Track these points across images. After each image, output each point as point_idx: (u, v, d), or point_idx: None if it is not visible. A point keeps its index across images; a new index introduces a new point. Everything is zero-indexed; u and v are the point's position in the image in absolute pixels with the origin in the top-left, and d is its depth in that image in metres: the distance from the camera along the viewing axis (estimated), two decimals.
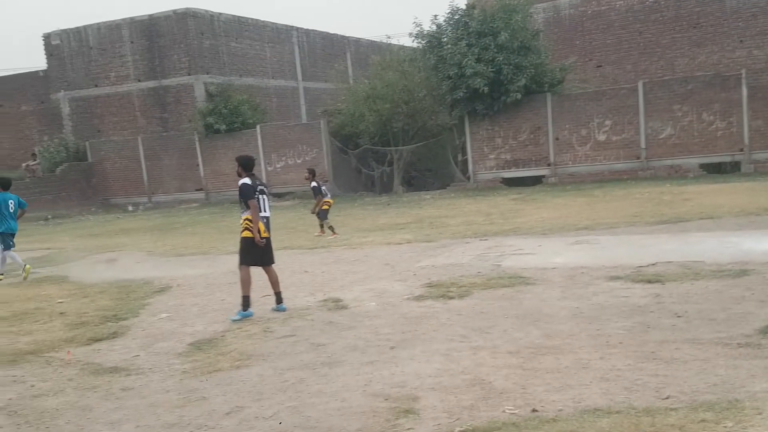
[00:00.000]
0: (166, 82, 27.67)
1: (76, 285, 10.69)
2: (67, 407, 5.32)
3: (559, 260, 9.55)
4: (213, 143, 26.62)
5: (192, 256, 13.14)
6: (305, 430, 4.55)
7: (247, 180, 8.00)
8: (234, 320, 7.73)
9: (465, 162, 24.30)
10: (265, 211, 8.14)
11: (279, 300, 8.17)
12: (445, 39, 22.59)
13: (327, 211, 14.85)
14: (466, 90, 21.82)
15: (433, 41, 23.06)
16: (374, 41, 36.84)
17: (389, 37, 30.23)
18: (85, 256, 14.08)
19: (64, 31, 28.80)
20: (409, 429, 4.44)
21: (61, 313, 8.64)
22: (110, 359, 6.55)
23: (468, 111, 22.91)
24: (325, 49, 34.04)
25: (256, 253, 7.98)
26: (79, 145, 28.42)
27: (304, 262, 11.39)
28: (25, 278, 11.69)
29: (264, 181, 8.36)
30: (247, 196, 7.93)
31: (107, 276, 11.43)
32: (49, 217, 24.67)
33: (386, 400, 4.97)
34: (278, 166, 26.06)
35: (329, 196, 15.12)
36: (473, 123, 23.23)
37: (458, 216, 16.14)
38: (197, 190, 26.99)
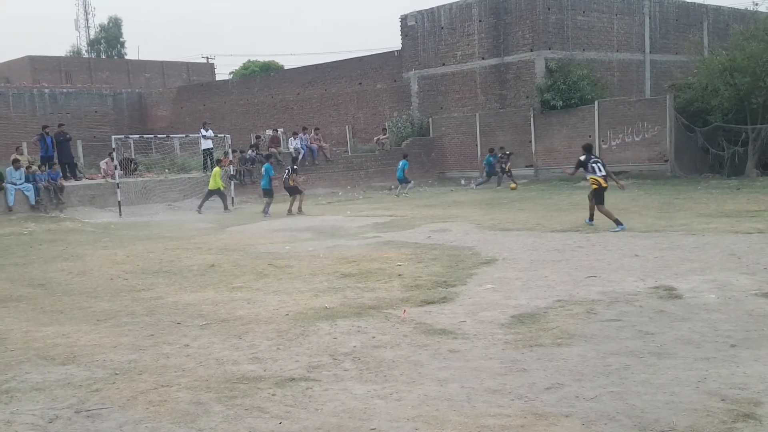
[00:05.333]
0: (508, 59, 28.19)
1: (412, 250, 11.55)
2: (402, 360, 5.79)
3: None
4: (547, 120, 26.56)
5: (518, 231, 13.33)
6: (629, 418, 4.36)
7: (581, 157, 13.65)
8: (613, 231, 12.43)
9: None
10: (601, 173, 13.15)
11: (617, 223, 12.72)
12: None
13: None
14: None
15: None
16: (737, 9, 33.14)
17: (756, 4, 26.89)
18: (421, 225, 15.12)
19: (420, 12, 30.85)
20: None
21: (399, 275, 9.40)
22: (439, 321, 6.96)
23: None
24: (680, 19, 31.55)
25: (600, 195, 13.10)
26: (423, 121, 30.51)
27: (635, 246, 10.84)
28: None
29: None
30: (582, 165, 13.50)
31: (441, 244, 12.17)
32: (392, 187, 26.95)
33: (723, 400, 4.54)
34: (614, 143, 25.06)
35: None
36: None
37: None
38: (527, 166, 27.22)
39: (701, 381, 4.93)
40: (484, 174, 26.18)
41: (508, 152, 25.72)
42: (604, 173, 13.22)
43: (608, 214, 12.91)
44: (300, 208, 19.32)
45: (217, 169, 21.60)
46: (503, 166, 25.25)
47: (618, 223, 12.68)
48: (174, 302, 8.48)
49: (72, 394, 5.33)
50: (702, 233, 11.65)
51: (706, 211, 14.54)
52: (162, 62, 56.64)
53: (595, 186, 13.18)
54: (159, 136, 28.06)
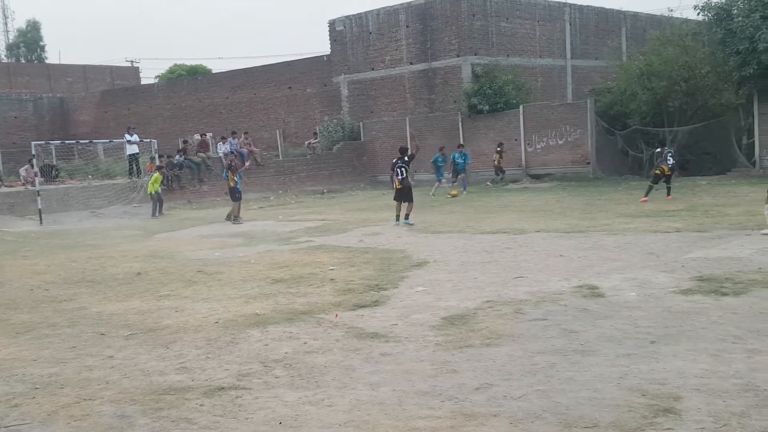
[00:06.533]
0: (435, 64, 28.50)
1: (345, 254, 11.54)
2: (334, 365, 5.78)
3: None
4: (475, 124, 26.98)
5: (448, 234, 13.49)
6: (555, 415, 4.46)
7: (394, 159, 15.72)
8: (406, 223, 14.88)
9: (751, 146, 21.94)
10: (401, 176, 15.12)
11: (406, 217, 15.00)
12: (736, 11, 20.45)
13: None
14: (758, 66, 19.67)
15: (721, 13, 21.03)
16: (654, 15, 34.41)
17: (671, 11, 28.10)
18: (353, 229, 15.13)
19: (348, 17, 30.86)
20: (668, 429, 4.16)
21: (332, 280, 9.39)
22: (371, 325, 6.98)
23: (758, 89, 20.70)
24: (599, 25, 32.57)
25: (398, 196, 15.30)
26: (354, 125, 30.53)
27: (559, 246, 11.13)
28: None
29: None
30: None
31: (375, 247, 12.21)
32: (324, 191, 26.94)
33: (644, 395, 4.70)
34: (538, 147, 25.68)
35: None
36: (764, 103, 20.84)
37: (739, 205, 14.62)
38: None
39: (623, 377, 5.09)
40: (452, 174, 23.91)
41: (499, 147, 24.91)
42: (402, 177, 15.15)
43: (409, 209, 15.13)
44: (237, 215, 17.94)
45: (157, 174, 21.46)
46: (500, 159, 24.71)
47: (402, 218, 15.03)
48: (98, 312, 8.23)
49: None
50: (623, 233, 12.04)
51: (626, 212, 15.05)
52: (84, 66, 54.71)
53: (399, 187, 15.27)
54: (82, 141, 27.17)
